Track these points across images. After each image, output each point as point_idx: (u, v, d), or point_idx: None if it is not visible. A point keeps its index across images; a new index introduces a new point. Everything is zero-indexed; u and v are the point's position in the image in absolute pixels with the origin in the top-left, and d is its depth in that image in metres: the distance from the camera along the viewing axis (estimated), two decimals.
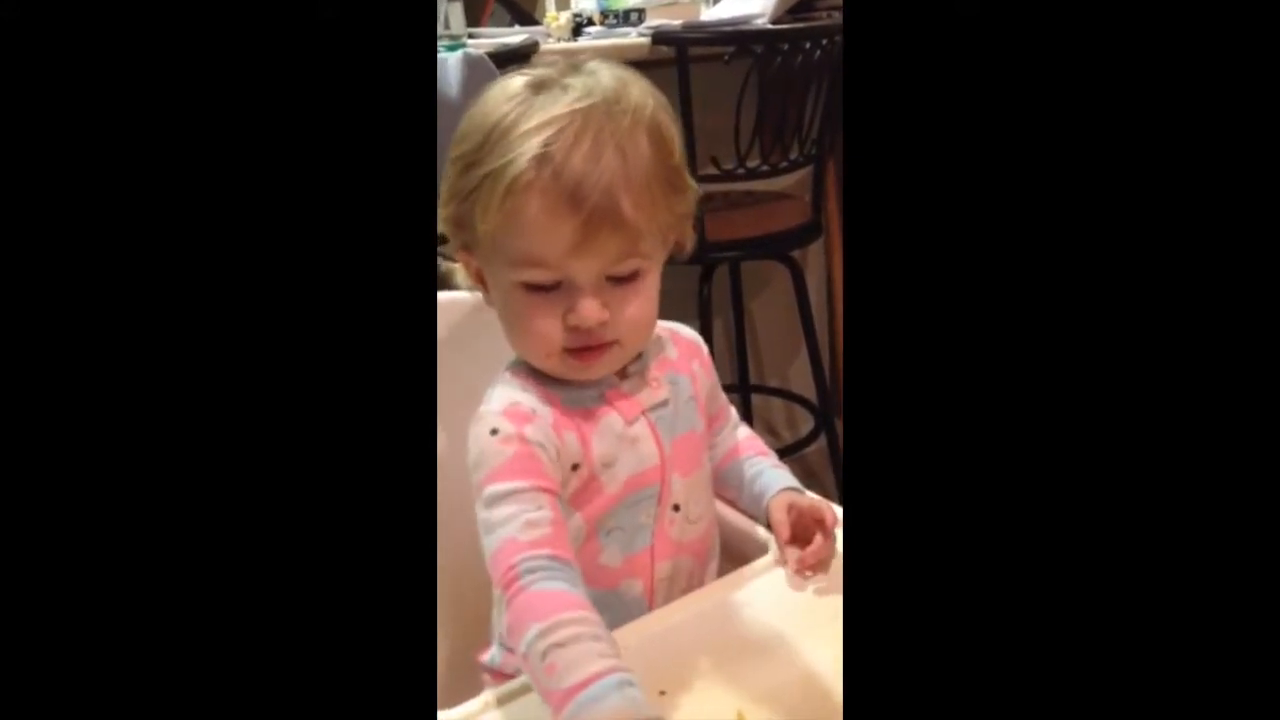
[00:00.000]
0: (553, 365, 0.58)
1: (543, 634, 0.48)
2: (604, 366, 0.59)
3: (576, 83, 0.54)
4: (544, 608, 0.49)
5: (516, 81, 0.56)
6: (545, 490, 0.54)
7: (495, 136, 0.53)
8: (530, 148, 0.51)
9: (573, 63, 0.57)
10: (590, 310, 0.54)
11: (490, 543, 0.54)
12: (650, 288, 0.57)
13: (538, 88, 0.55)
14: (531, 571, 0.51)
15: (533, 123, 0.52)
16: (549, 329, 0.55)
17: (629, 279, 0.56)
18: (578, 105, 0.53)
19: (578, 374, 0.58)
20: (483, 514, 0.55)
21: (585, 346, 0.56)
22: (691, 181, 0.59)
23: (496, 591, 0.53)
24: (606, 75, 0.56)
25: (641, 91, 0.56)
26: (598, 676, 0.46)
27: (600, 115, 0.53)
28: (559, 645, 0.47)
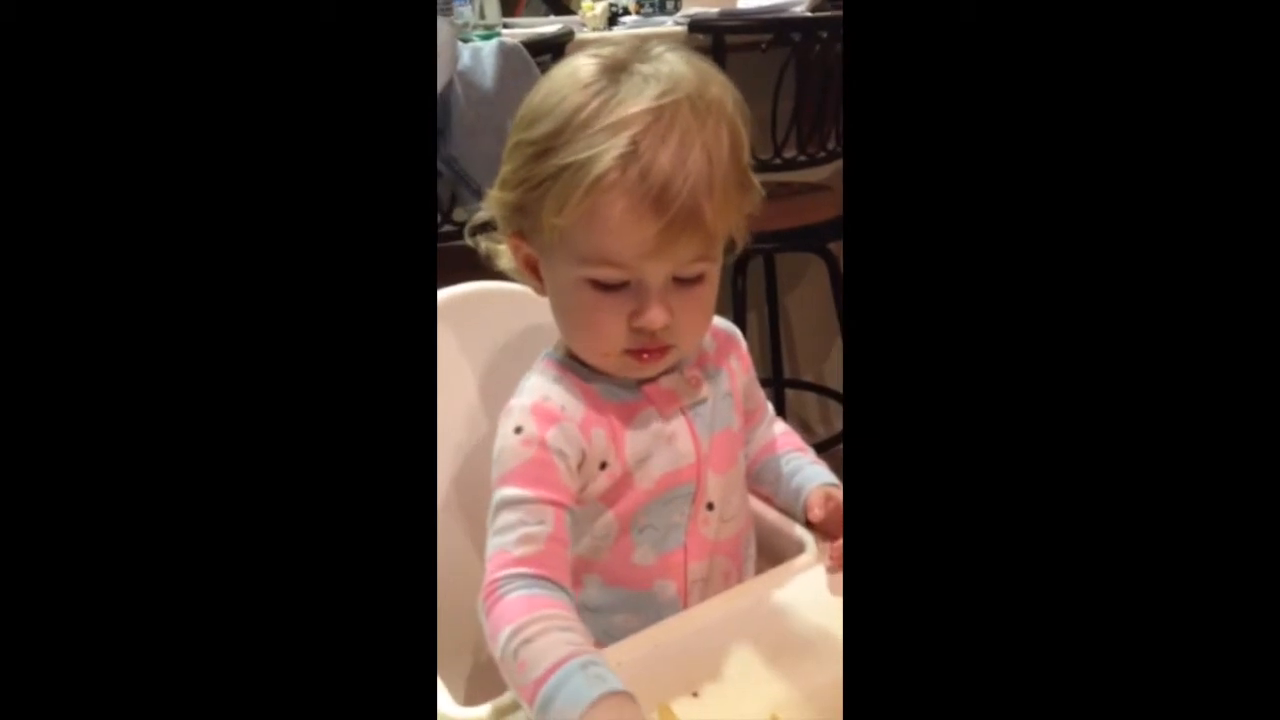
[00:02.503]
0: (608, 363, 0.57)
1: (513, 634, 0.49)
2: (659, 367, 0.58)
3: (656, 72, 0.51)
4: (515, 611, 0.50)
5: (588, 66, 0.53)
6: (553, 504, 0.54)
7: (575, 126, 0.50)
8: (616, 144, 0.49)
9: (640, 46, 0.54)
10: (658, 314, 0.53)
11: (491, 544, 0.54)
12: (712, 290, 0.56)
13: (614, 74, 0.52)
14: (510, 581, 0.52)
15: (617, 116, 0.50)
16: (613, 329, 0.54)
17: (695, 281, 0.54)
18: (664, 100, 0.50)
19: (631, 373, 0.57)
20: (490, 513, 0.55)
21: (645, 349, 0.55)
22: (756, 181, 0.56)
23: (479, 598, 0.53)
24: (683, 65, 0.53)
25: (720, 86, 0.54)
26: (562, 662, 0.47)
27: (686, 112, 0.51)
28: (527, 641, 0.48)
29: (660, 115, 0.50)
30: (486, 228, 0.61)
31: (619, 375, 0.58)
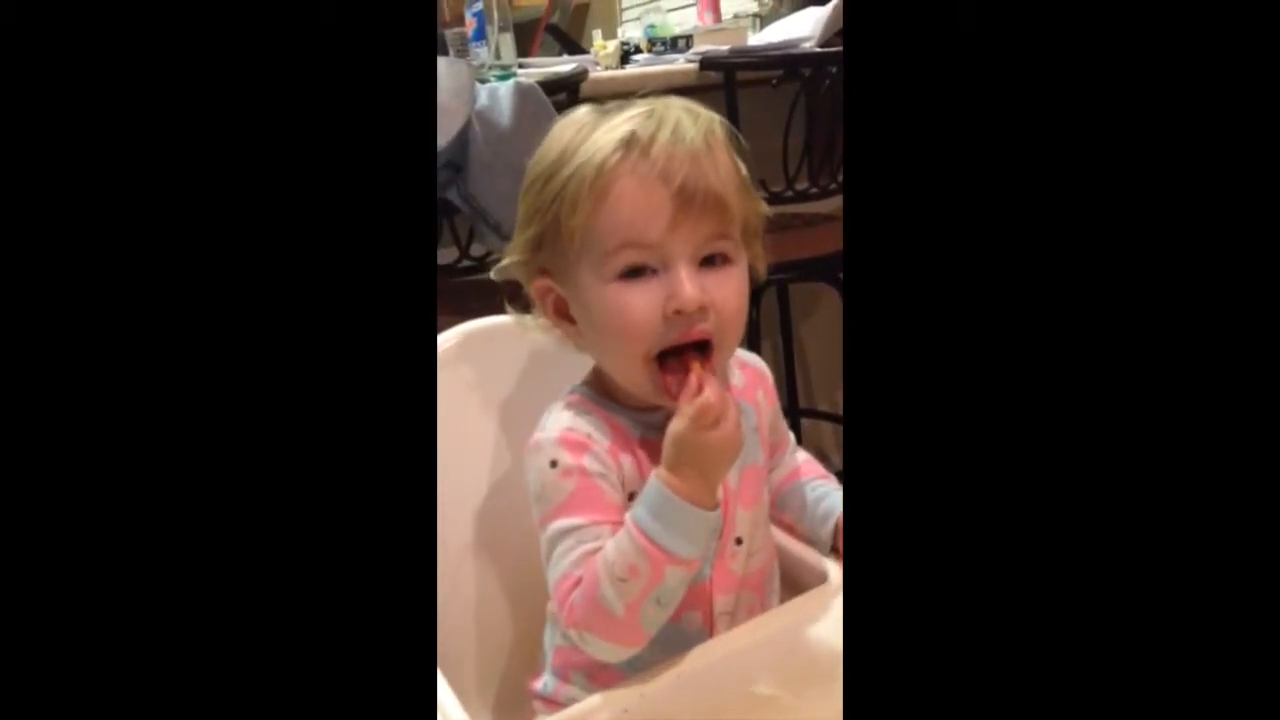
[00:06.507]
0: (642, 378, 0.55)
1: (595, 582, 0.51)
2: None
3: (645, 101, 0.56)
4: (591, 576, 0.52)
5: (582, 109, 0.57)
6: (607, 522, 0.54)
7: (574, 144, 0.54)
8: (615, 136, 0.53)
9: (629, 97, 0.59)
10: (691, 290, 0.53)
11: (552, 577, 0.55)
12: (741, 281, 0.56)
13: (605, 110, 0.56)
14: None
15: (612, 121, 0.54)
16: (649, 322, 0.53)
17: (721, 264, 0.55)
18: (655, 104, 0.55)
19: (659, 396, 0.56)
20: (545, 548, 0.56)
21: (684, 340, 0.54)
22: (757, 195, 0.59)
23: (555, 613, 0.54)
24: (672, 97, 0.57)
25: (709, 112, 0.57)
26: (624, 524, 0.52)
27: (678, 109, 0.55)
28: (601, 564, 0.52)
29: (653, 113, 0.54)
30: (518, 298, 0.62)
31: (649, 400, 0.57)
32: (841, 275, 1.51)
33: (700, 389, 0.51)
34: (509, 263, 0.60)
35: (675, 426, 0.52)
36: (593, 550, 0.53)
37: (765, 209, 0.59)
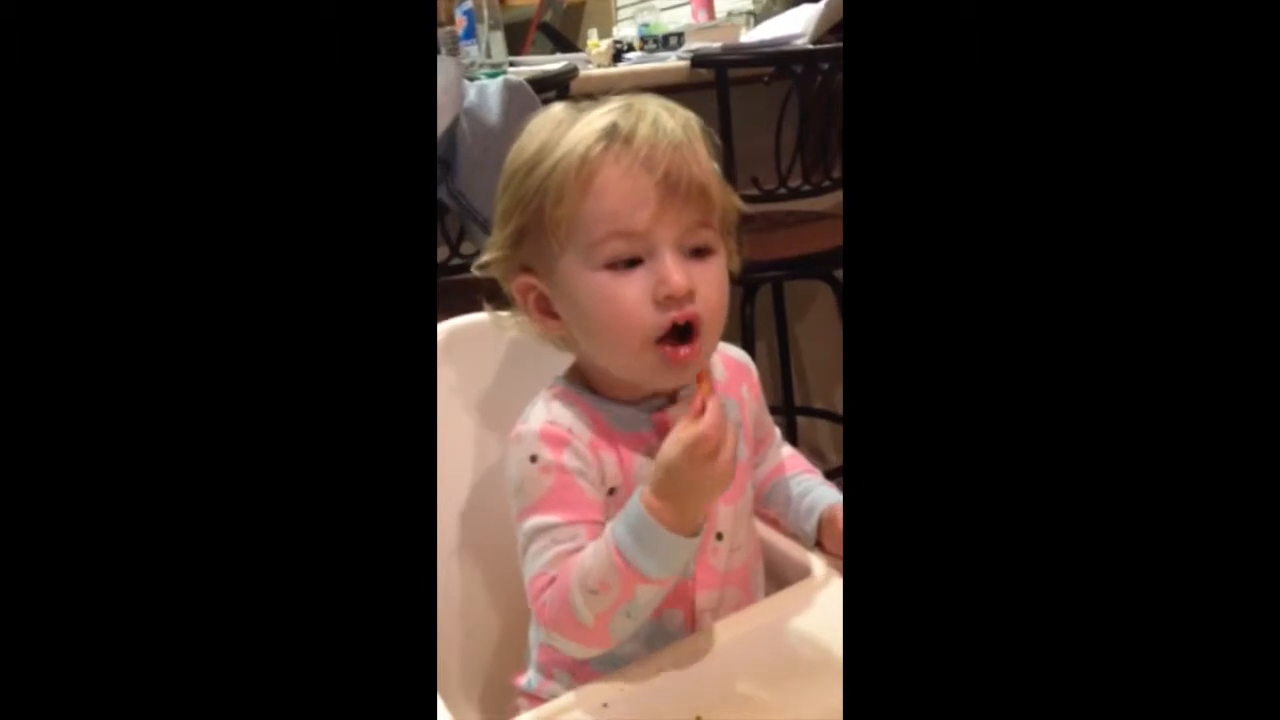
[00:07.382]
0: (643, 364, 0.55)
1: (569, 589, 0.51)
2: (692, 361, 0.55)
3: (617, 97, 0.57)
4: (557, 586, 0.53)
5: (558, 106, 0.58)
6: (583, 522, 0.54)
7: (554, 138, 0.55)
8: (596, 127, 0.54)
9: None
10: (679, 275, 0.53)
11: (527, 573, 0.55)
12: (723, 271, 0.57)
13: (580, 108, 0.57)
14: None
15: (590, 115, 0.55)
16: (639, 309, 0.53)
17: (704, 254, 0.55)
18: (633, 99, 0.56)
19: (663, 377, 0.56)
20: (522, 542, 0.56)
21: (675, 322, 0.53)
22: (733, 191, 0.59)
23: (534, 617, 0.54)
24: (645, 94, 0.58)
25: (683, 109, 0.57)
26: (604, 538, 0.52)
27: (655, 105, 0.55)
28: (576, 571, 0.52)
29: (631, 106, 0.55)
30: (497, 296, 0.62)
31: (650, 385, 0.57)
32: (836, 272, 1.51)
33: (702, 411, 0.50)
34: (488, 259, 0.60)
35: (668, 453, 0.50)
36: (568, 551, 0.53)
37: (741, 204, 0.60)
